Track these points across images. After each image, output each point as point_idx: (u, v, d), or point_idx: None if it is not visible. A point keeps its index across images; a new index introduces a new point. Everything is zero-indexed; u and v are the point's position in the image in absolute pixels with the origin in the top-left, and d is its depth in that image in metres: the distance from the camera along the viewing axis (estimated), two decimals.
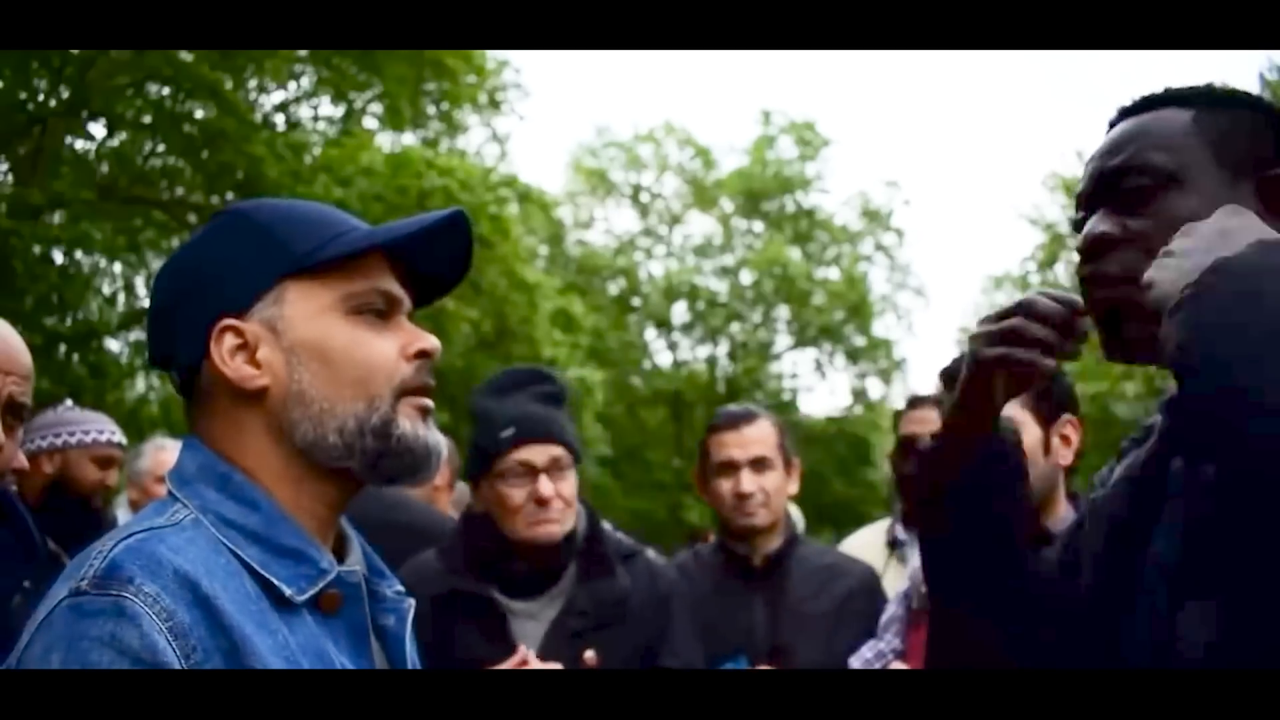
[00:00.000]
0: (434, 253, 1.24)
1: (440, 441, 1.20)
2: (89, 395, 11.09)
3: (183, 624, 0.99)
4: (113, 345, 13.47)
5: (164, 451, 4.19)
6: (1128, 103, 1.24)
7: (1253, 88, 1.22)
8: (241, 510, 1.11)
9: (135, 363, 14.43)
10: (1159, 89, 1.23)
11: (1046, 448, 2.17)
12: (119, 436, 3.42)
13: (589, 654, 2.20)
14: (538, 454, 2.35)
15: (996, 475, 1.34)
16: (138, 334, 14.61)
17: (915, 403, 3.33)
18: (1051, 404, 2.18)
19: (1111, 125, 1.24)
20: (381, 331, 1.18)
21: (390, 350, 1.17)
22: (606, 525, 2.64)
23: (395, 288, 1.20)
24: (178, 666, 0.97)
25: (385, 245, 1.19)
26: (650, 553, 2.79)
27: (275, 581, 1.08)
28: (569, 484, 2.38)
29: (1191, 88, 1.21)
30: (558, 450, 2.37)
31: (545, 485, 2.33)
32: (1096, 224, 1.18)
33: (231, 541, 1.09)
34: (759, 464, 2.72)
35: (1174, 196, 1.15)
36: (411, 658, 1.21)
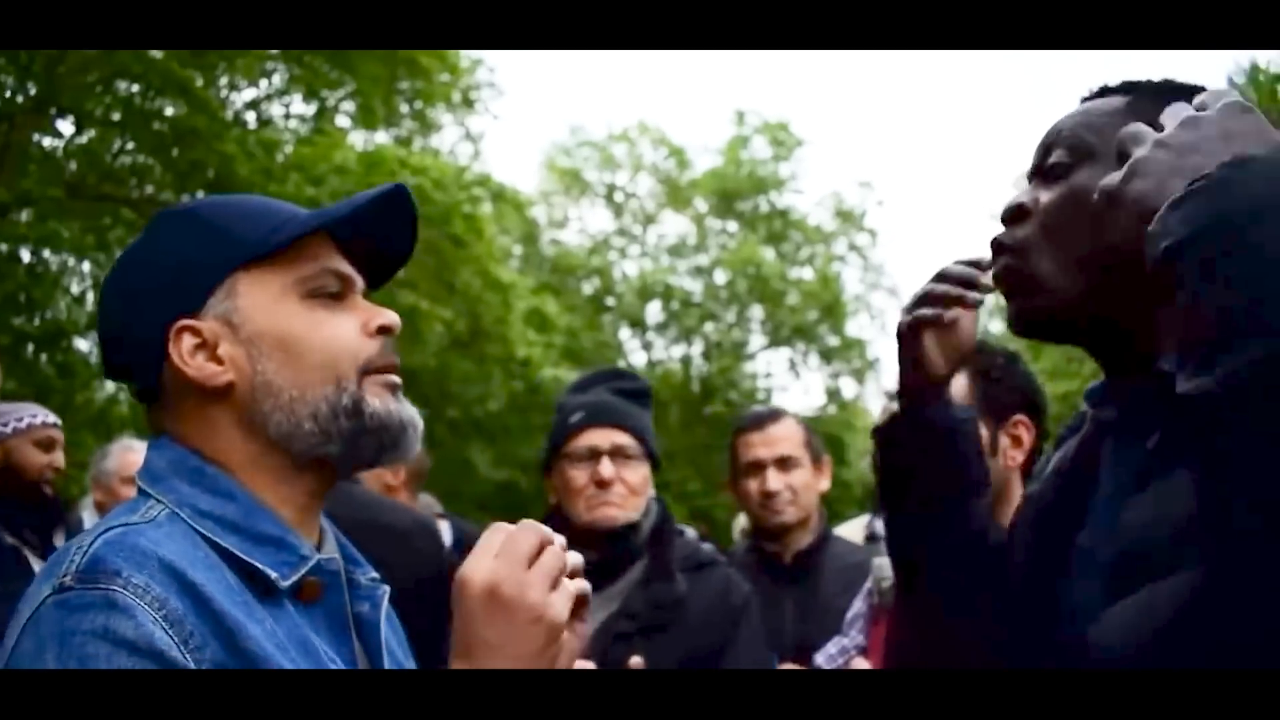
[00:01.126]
0: (379, 230, 1.23)
1: (415, 415, 1.19)
2: (57, 396, 11.00)
3: (176, 611, 0.98)
4: (81, 345, 13.33)
5: (131, 452, 4.15)
6: (1093, 87, 1.27)
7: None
8: (217, 501, 1.10)
9: None
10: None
11: (994, 448, 2.15)
12: (52, 418, 3.47)
13: (635, 659, 2.15)
14: (602, 438, 2.38)
15: (950, 441, 1.40)
16: None
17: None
18: (1000, 404, 2.17)
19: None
20: (338, 312, 1.17)
21: (350, 329, 1.16)
22: (690, 533, 2.64)
23: (346, 267, 1.19)
24: (177, 654, 0.96)
25: (329, 225, 1.18)
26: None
27: (259, 566, 1.07)
28: (635, 473, 2.39)
29: (1150, 81, 1.23)
30: (623, 437, 2.39)
31: (606, 467, 2.35)
32: (1016, 195, 1.22)
33: (210, 532, 1.07)
34: (785, 463, 2.74)
35: (1085, 170, 1.16)
36: (389, 644, 1.20)
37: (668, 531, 2.46)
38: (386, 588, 1.23)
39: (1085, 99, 1.26)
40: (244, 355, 1.13)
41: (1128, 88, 1.23)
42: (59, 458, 3.41)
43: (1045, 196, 1.19)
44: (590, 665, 2.14)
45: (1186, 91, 1.18)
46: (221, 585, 1.03)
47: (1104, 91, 1.25)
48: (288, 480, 1.14)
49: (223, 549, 1.07)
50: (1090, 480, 1.20)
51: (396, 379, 1.19)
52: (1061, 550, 1.18)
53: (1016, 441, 2.18)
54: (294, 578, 1.09)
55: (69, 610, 0.96)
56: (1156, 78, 1.23)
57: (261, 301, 1.14)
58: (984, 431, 2.15)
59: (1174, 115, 1.03)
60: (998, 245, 1.23)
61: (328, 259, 1.18)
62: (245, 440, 1.13)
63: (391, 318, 1.19)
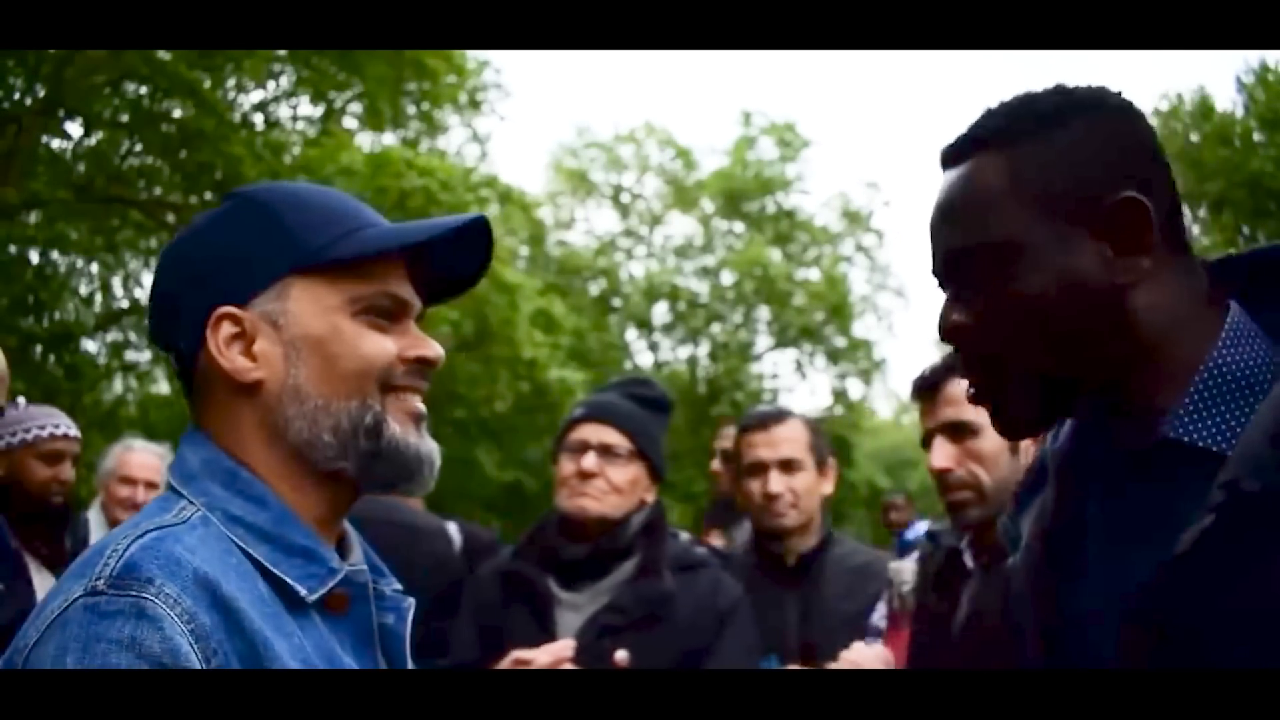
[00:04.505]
0: (451, 255, 1.21)
1: (434, 450, 1.17)
2: (65, 397, 11.03)
3: (204, 626, 0.97)
4: (89, 346, 13.39)
5: (130, 452, 4.13)
6: (947, 147, 1.14)
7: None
8: (250, 507, 1.08)
9: (112, 364, 14.35)
10: (978, 117, 1.12)
11: (1013, 447, 2.14)
12: (65, 428, 3.34)
13: (620, 654, 2.20)
14: (593, 433, 2.45)
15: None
16: (114, 335, 14.52)
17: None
18: None
19: (943, 164, 1.15)
20: (385, 332, 1.15)
21: (390, 350, 1.14)
22: (685, 536, 2.66)
23: (406, 291, 1.17)
24: (198, 666, 0.95)
25: (402, 249, 1.16)
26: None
27: (288, 581, 1.06)
28: (621, 472, 2.43)
29: (1004, 116, 1.10)
30: (615, 435, 2.44)
31: (589, 460, 2.41)
32: (946, 312, 1.12)
33: (241, 539, 1.06)
34: (788, 465, 2.72)
35: (1012, 274, 1.06)
36: (409, 657, 1.19)
37: (659, 530, 2.48)
38: (411, 600, 1.22)
39: (947, 161, 1.13)
40: (280, 356, 1.11)
41: (994, 136, 1.09)
42: (65, 470, 3.30)
43: (978, 308, 1.09)
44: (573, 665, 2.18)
45: (1050, 118, 1.08)
46: (253, 597, 1.02)
47: (968, 147, 1.11)
48: (306, 489, 1.12)
49: (253, 558, 1.06)
50: (1079, 540, 1.14)
51: (422, 408, 1.17)
52: (1070, 625, 1.13)
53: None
54: (321, 591, 1.08)
55: (98, 615, 0.95)
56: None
57: (312, 310, 1.12)
58: None
59: None
60: (964, 373, 1.15)
61: (390, 281, 1.15)
62: (267, 443, 1.11)
63: (434, 351, 1.17)
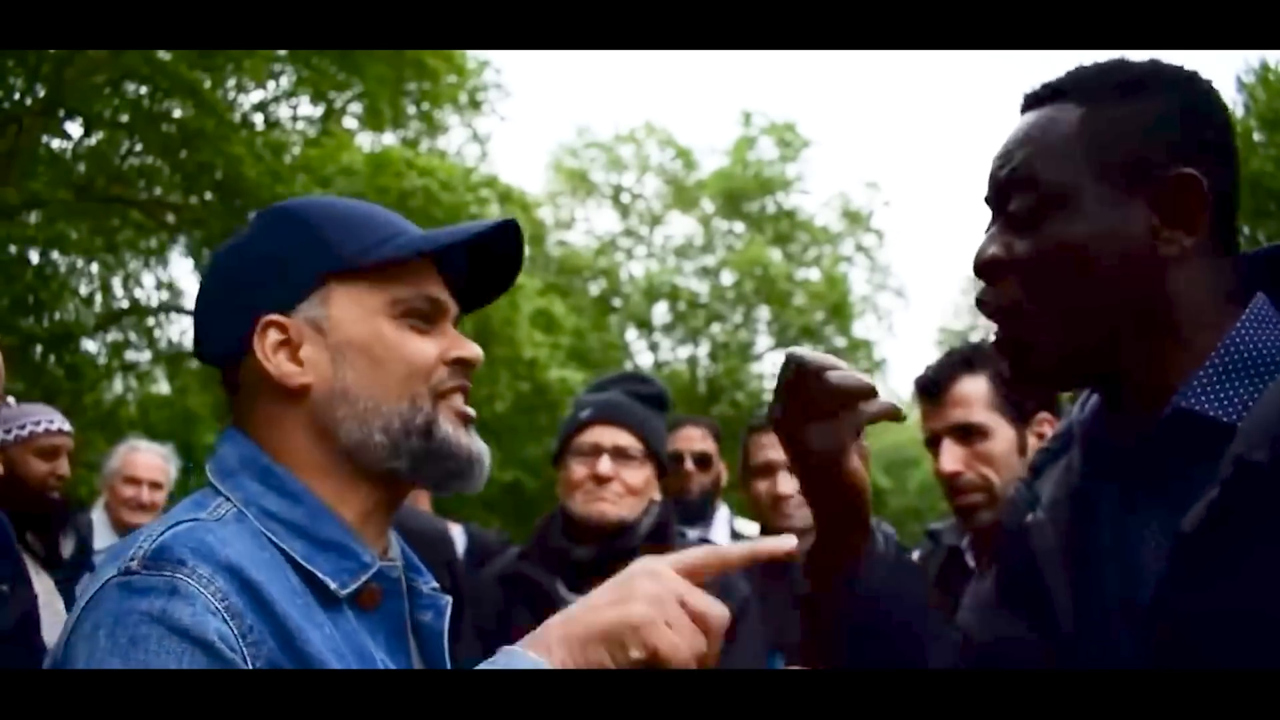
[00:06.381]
0: (482, 260, 1.25)
1: (484, 450, 1.20)
2: (65, 397, 11.03)
3: (237, 605, 0.98)
4: (90, 346, 13.39)
5: (135, 452, 4.14)
6: (1030, 91, 1.17)
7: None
8: (285, 503, 1.11)
9: (112, 364, 14.36)
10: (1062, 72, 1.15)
11: (1021, 448, 2.13)
12: (59, 424, 3.38)
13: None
14: (605, 435, 2.43)
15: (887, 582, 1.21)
16: (115, 335, 14.53)
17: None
18: (1023, 405, 2.13)
19: (1022, 108, 1.17)
20: (425, 335, 1.18)
21: (431, 352, 1.17)
22: (692, 535, 2.66)
23: (443, 294, 1.20)
24: (226, 647, 0.96)
25: (434, 253, 1.19)
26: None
27: (318, 574, 1.08)
28: (635, 473, 2.42)
29: (1092, 74, 1.13)
30: (627, 437, 2.43)
31: (604, 464, 2.40)
32: (986, 244, 1.14)
33: (274, 535, 1.08)
34: None
35: (1060, 220, 1.08)
36: (448, 655, 1.21)
37: (668, 531, 2.47)
38: (449, 598, 1.24)
39: (1028, 100, 1.16)
40: (327, 360, 1.14)
41: (1076, 89, 1.12)
42: (63, 465, 3.35)
43: (1020, 248, 1.11)
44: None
45: (1134, 84, 1.10)
46: (284, 588, 1.04)
47: (1047, 95, 1.14)
48: (353, 489, 1.14)
49: (286, 553, 1.08)
50: (1091, 510, 1.16)
51: (470, 410, 1.20)
52: (1098, 597, 1.13)
53: (1043, 440, 2.16)
54: (353, 585, 1.10)
55: (130, 592, 0.97)
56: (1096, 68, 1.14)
57: (354, 313, 1.15)
58: (1011, 433, 2.13)
59: None
60: (986, 308, 1.15)
61: (426, 284, 1.18)
62: (314, 445, 1.14)
63: (473, 351, 1.20)
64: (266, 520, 1.09)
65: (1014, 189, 1.12)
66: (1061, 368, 1.12)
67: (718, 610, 1.06)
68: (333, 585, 1.08)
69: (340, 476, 1.14)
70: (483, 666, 1.00)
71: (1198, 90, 1.11)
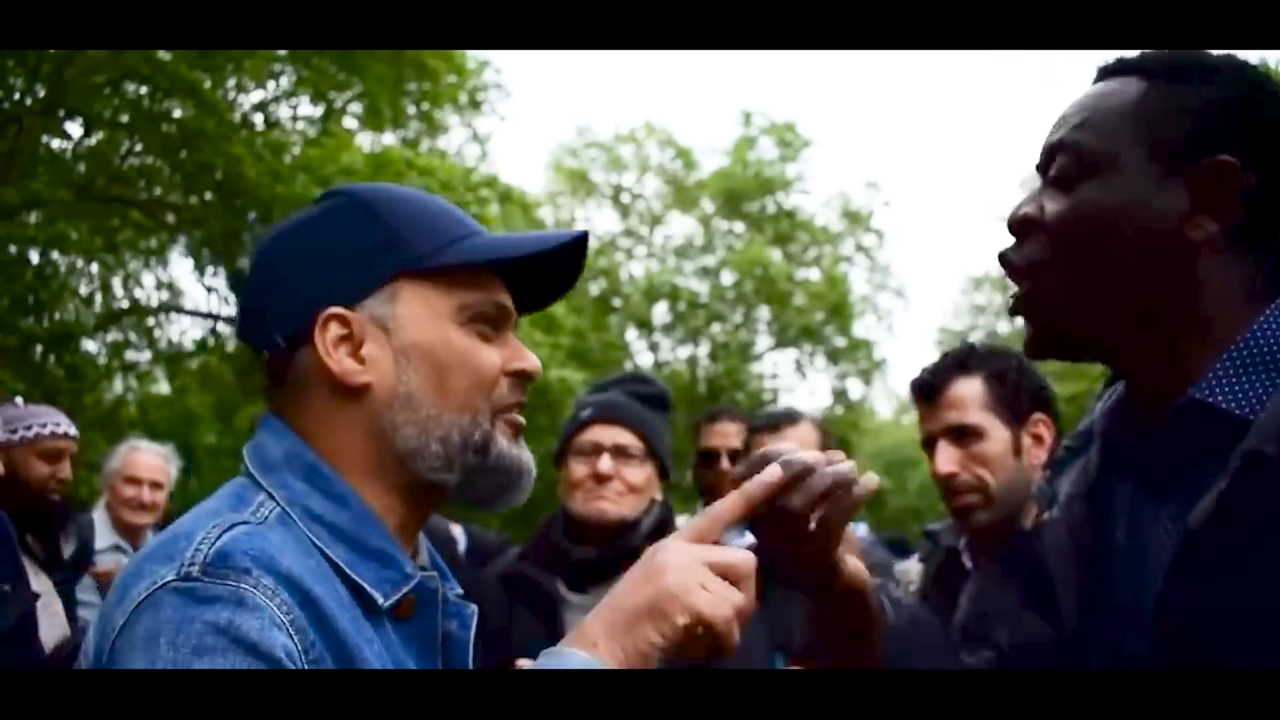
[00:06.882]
0: (543, 269, 1.22)
1: (530, 461, 1.18)
2: (65, 396, 11.02)
3: (301, 621, 0.96)
4: (90, 346, 13.38)
5: (136, 453, 4.14)
6: (1104, 63, 1.19)
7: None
8: (331, 506, 1.07)
9: (112, 364, 14.35)
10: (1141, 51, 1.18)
11: (1016, 449, 2.13)
12: (64, 428, 3.37)
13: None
14: (605, 434, 2.43)
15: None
16: (115, 335, 14.52)
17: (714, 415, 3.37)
18: (1019, 402, 2.14)
19: (1094, 81, 1.20)
20: (489, 344, 1.14)
21: (496, 362, 1.14)
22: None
23: (508, 300, 1.17)
24: (296, 662, 0.94)
25: (511, 261, 1.15)
26: None
27: (364, 586, 1.05)
28: (635, 472, 2.42)
29: (1163, 55, 1.16)
30: (627, 436, 2.44)
31: (605, 463, 2.40)
32: (1024, 203, 1.16)
33: (319, 539, 1.05)
34: None
35: (1094, 185, 1.10)
36: (471, 665, 1.18)
37: (670, 531, 2.45)
38: (475, 606, 1.21)
39: (1099, 77, 1.18)
40: (390, 361, 1.10)
41: (1142, 67, 1.14)
42: (65, 469, 3.33)
43: (1052, 207, 1.12)
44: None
45: (1198, 69, 1.12)
46: (336, 600, 1.01)
47: (1117, 68, 1.17)
48: (398, 495, 1.11)
49: (330, 559, 1.05)
50: (1105, 507, 1.16)
51: (521, 420, 1.17)
52: (1108, 594, 1.13)
53: (1038, 440, 2.15)
54: (395, 597, 1.07)
55: (194, 599, 0.93)
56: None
57: (422, 315, 1.11)
58: (1006, 434, 2.13)
59: None
60: (1008, 265, 1.17)
61: (493, 289, 1.15)
62: (366, 446, 1.10)
63: (533, 364, 1.17)
64: (311, 523, 1.05)
65: (1058, 151, 1.14)
66: (1072, 332, 1.13)
67: (743, 559, 1.05)
68: (378, 598, 1.05)
69: (387, 482, 1.10)
70: (535, 667, 0.99)
71: (1258, 86, 1.12)
